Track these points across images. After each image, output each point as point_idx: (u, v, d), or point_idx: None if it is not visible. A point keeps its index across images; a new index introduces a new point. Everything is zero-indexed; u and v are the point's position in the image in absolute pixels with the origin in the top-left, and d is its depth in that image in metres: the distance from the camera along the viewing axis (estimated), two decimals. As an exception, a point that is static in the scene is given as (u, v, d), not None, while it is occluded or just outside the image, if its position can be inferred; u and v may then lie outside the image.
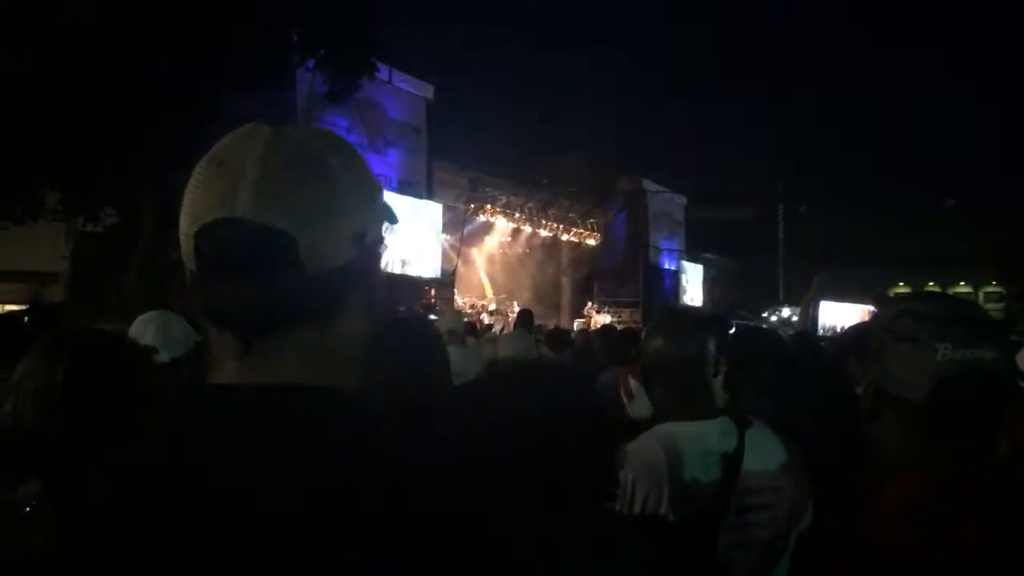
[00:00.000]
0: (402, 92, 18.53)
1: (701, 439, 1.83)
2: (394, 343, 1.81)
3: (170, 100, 10.54)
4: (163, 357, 2.21)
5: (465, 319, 13.88)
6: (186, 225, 0.75)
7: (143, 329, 2.31)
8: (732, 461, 1.80)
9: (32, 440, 1.29)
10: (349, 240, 0.76)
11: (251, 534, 0.65)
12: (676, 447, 1.79)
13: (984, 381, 1.17)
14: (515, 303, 21.40)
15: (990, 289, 51.67)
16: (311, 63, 13.07)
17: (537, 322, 19.05)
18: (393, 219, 0.88)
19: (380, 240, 0.83)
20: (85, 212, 12.66)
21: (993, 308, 49.11)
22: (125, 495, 0.69)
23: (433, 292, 18.57)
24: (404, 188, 18.24)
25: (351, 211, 0.77)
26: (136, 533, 0.67)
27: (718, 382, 1.97)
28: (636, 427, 2.46)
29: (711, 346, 1.98)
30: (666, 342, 1.99)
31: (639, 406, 2.61)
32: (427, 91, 19.49)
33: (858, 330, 3.93)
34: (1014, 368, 1.70)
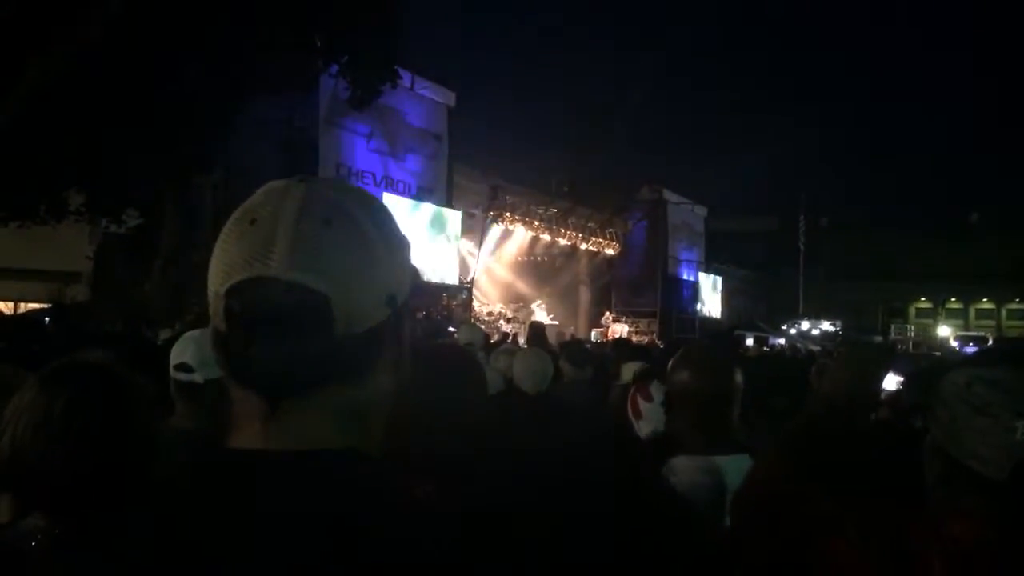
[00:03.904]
0: (424, 99, 18.61)
1: (718, 474, 1.81)
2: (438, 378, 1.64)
3: (197, 104, 10.64)
4: (197, 377, 2.16)
5: (483, 326, 13.91)
6: (216, 283, 0.73)
7: (184, 347, 2.26)
8: None
9: (35, 473, 1.28)
10: (382, 301, 0.75)
11: None
12: (691, 481, 1.76)
13: None
14: (533, 310, 21.38)
15: (1013, 306, 50.95)
16: (334, 69, 13.16)
17: (558, 329, 19.08)
18: (418, 276, 0.85)
19: (408, 299, 0.80)
20: (108, 213, 12.79)
21: (1016, 325, 48.58)
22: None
23: (452, 300, 18.60)
24: (423, 195, 18.29)
25: (384, 271, 0.75)
26: None
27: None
28: (644, 445, 2.41)
29: (738, 380, 1.97)
30: (692, 375, 1.98)
31: (647, 425, 2.58)
32: (449, 98, 19.57)
33: (921, 384, 3.84)
34: None
